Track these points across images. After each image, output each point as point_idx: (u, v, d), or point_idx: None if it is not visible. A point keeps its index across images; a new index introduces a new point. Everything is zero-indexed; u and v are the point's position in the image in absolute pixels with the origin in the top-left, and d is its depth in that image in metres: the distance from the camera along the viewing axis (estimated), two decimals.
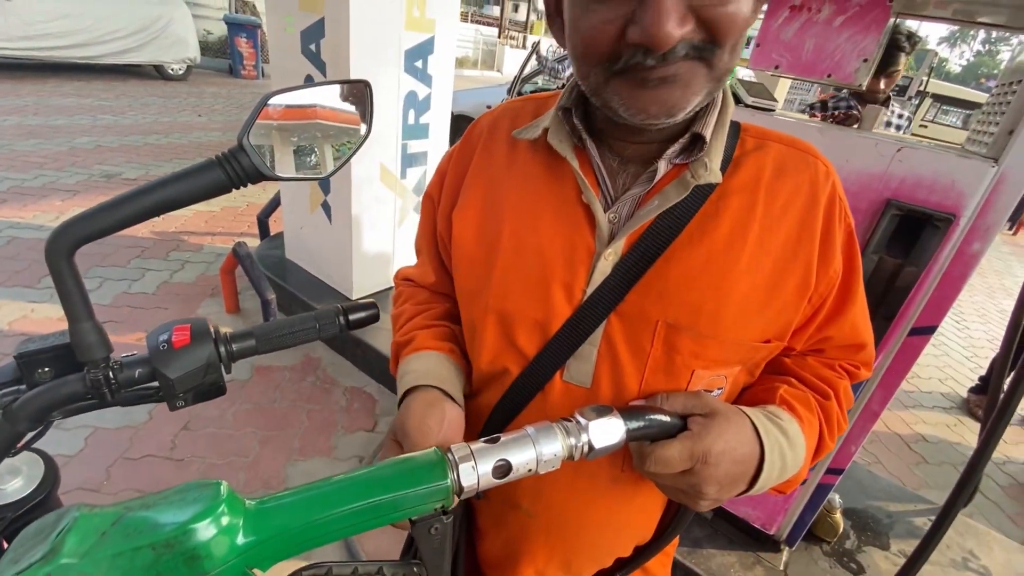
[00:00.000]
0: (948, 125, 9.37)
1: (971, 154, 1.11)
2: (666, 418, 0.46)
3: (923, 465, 2.57)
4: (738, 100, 1.28)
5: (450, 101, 2.61)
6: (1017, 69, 1.22)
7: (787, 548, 1.63)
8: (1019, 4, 1.15)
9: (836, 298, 0.55)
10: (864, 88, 2.15)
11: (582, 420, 0.41)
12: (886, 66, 2.05)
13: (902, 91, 3.49)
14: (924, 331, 1.22)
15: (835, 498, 1.73)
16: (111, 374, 0.53)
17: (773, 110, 1.26)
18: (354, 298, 2.54)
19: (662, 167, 0.50)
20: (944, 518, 1.29)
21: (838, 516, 1.70)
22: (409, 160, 2.51)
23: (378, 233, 2.53)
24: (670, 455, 0.45)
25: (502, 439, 0.38)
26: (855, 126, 1.40)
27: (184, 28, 8.18)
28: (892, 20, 1.53)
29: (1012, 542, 1.99)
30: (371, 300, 0.65)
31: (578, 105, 0.53)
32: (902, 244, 1.14)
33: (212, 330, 0.54)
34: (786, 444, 0.51)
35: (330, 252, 2.58)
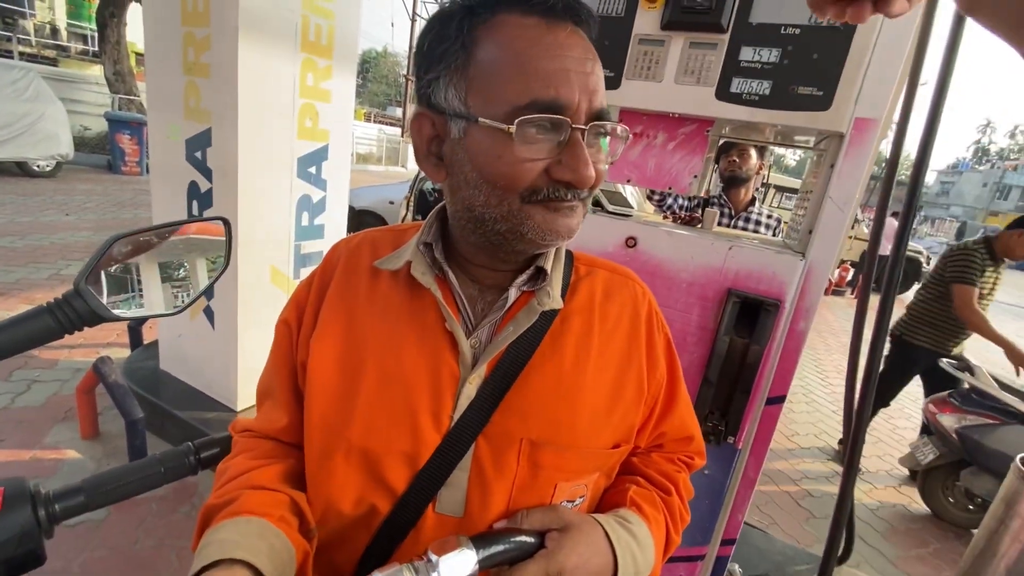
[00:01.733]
0: (789, 209, 11.17)
1: (786, 249, 1.34)
2: (523, 538, 0.48)
3: (812, 520, 2.75)
4: (601, 207, 1.46)
5: (346, 201, 2.66)
6: (810, 182, 1.53)
7: None
8: (803, 132, 1.46)
9: (665, 398, 0.63)
10: (722, 174, 2.50)
11: (433, 557, 0.42)
12: (727, 148, 2.43)
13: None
14: (777, 400, 1.37)
15: (735, 568, 1.79)
16: None
17: (630, 215, 1.45)
18: (239, 410, 2.34)
19: (512, 294, 0.56)
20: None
21: None
22: (303, 260, 2.48)
23: (268, 338, 2.40)
24: None
25: None
26: (699, 226, 1.64)
27: (56, 124, 7.70)
28: (715, 142, 1.86)
29: None
30: (229, 433, 0.62)
31: (438, 240, 0.58)
32: (746, 327, 1.32)
33: (30, 491, 0.49)
34: (636, 547, 0.54)
35: (213, 361, 2.39)
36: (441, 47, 0.49)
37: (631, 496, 0.59)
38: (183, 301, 0.60)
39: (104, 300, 0.50)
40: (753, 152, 2.41)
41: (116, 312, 0.51)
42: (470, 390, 0.54)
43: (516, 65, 0.46)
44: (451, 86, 0.49)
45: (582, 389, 0.55)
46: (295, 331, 0.61)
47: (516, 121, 0.45)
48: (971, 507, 2.83)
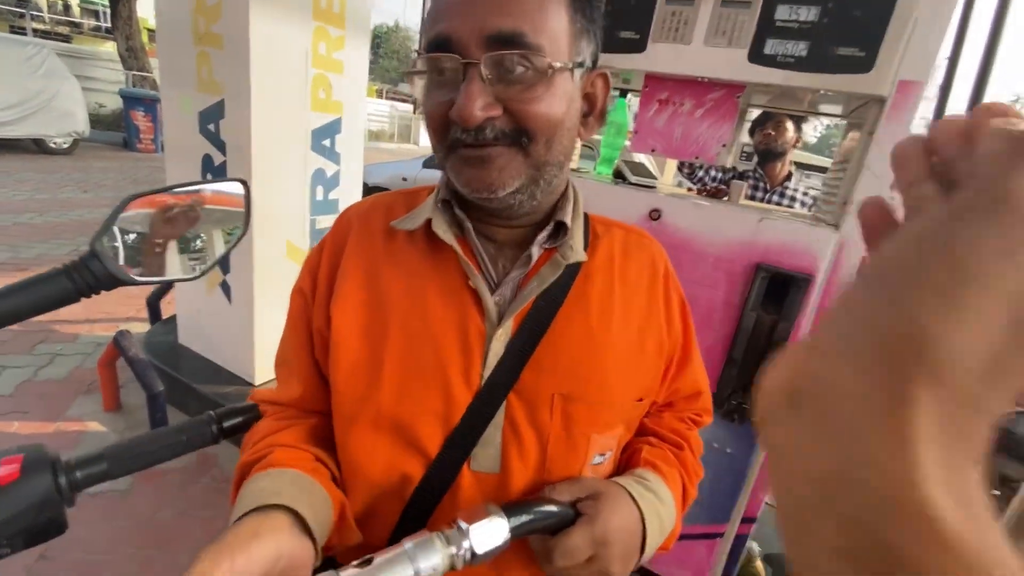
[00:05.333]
0: (814, 188, 10.92)
1: (819, 222, 1.29)
2: (553, 507, 0.46)
3: None
4: (624, 178, 1.41)
5: (360, 176, 2.63)
6: (844, 152, 1.46)
7: None
8: (840, 98, 1.39)
9: (680, 355, 0.64)
10: (757, 147, 2.40)
11: (463, 525, 0.40)
12: (763, 121, 2.33)
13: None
14: None
15: (754, 546, 1.78)
16: None
17: (654, 187, 1.40)
18: (256, 384, 2.36)
19: (535, 251, 0.55)
20: None
21: (759, 564, 1.75)
22: (318, 235, 2.46)
23: (284, 312, 2.41)
24: (575, 544, 0.46)
25: (376, 560, 0.36)
26: (725, 198, 1.58)
27: (72, 101, 7.71)
28: (744, 110, 1.78)
29: None
30: (250, 403, 0.61)
31: (454, 197, 0.56)
32: (775, 302, 1.27)
33: (50, 458, 0.48)
34: (659, 503, 0.55)
35: (230, 335, 2.40)
36: None
37: (644, 456, 0.60)
38: (201, 267, 0.58)
39: (121, 262, 0.48)
40: (790, 124, 2.31)
41: (133, 275, 0.49)
42: (497, 347, 0.53)
43: None
44: None
45: (609, 343, 0.55)
46: (310, 298, 0.61)
47: None
48: (996, 492, 2.78)
